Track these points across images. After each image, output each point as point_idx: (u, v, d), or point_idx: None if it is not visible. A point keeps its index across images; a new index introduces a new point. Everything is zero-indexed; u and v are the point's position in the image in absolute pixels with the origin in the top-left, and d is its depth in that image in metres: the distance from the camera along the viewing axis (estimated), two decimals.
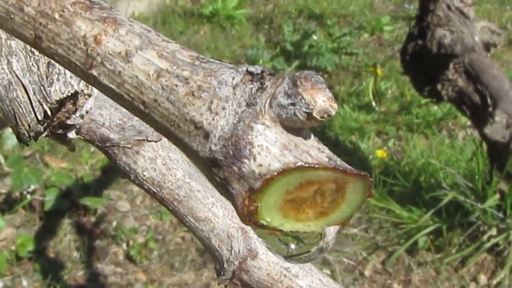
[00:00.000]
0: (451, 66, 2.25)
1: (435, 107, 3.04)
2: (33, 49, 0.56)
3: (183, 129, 0.35)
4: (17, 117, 0.59)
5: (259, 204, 0.34)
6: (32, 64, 0.59)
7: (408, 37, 2.41)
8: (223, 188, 0.35)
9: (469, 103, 2.27)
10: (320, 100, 0.33)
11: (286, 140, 0.34)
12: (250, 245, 0.59)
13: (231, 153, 0.34)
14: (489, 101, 2.20)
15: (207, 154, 0.34)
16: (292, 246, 0.38)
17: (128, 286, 2.19)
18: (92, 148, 2.79)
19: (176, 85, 0.35)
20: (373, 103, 3.14)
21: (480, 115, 2.25)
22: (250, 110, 0.34)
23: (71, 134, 0.63)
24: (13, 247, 2.29)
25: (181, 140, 0.36)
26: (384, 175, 2.56)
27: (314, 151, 0.34)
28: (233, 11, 4.06)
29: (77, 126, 0.62)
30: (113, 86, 0.37)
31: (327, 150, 0.35)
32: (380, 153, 2.76)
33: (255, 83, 0.35)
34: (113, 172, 2.65)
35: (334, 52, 3.61)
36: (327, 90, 0.34)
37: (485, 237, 2.25)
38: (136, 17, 3.87)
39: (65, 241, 2.35)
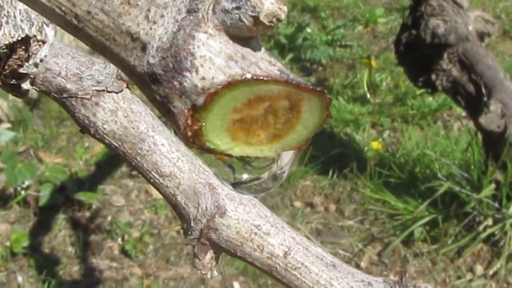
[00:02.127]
0: (445, 56, 2.24)
1: (430, 98, 3.04)
2: None
3: (119, 42, 0.32)
4: None
5: (204, 124, 0.31)
6: None
7: (401, 27, 2.40)
8: (164, 107, 0.32)
9: (463, 93, 2.26)
10: (267, 2, 0.30)
11: (232, 51, 0.30)
12: (218, 201, 0.54)
13: (171, 65, 0.30)
14: (483, 90, 2.20)
15: (145, 68, 0.31)
16: (244, 175, 0.35)
17: (124, 281, 2.18)
18: (87, 143, 2.78)
19: None
20: (368, 95, 3.13)
21: (474, 105, 2.24)
22: (191, 17, 0.31)
23: (25, 85, 0.59)
24: (7, 243, 2.28)
25: (117, 56, 0.32)
26: (379, 167, 2.55)
27: (264, 63, 0.31)
28: None
29: (32, 76, 0.58)
30: (43, 0, 0.34)
31: (279, 64, 0.32)
32: (375, 144, 2.75)
33: None
34: (107, 167, 2.64)
35: (328, 45, 3.61)
36: None
37: (481, 227, 2.25)
38: None
39: (60, 236, 2.34)
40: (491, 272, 2.21)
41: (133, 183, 2.59)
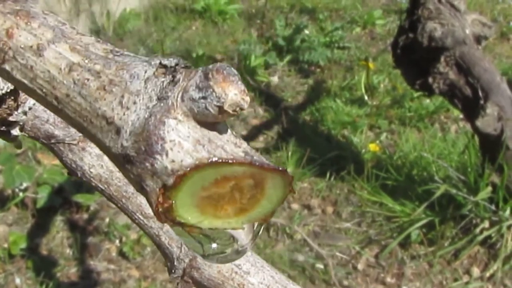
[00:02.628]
0: (442, 59, 2.25)
1: (427, 101, 3.05)
2: None
3: (96, 125, 0.34)
4: None
5: (174, 201, 0.33)
6: None
7: (399, 30, 2.41)
8: (138, 185, 0.34)
9: (460, 96, 2.27)
10: (231, 93, 0.32)
11: (199, 135, 0.33)
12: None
13: (143, 148, 0.33)
14: (480, 93, 2.21)
15: (119, 150, 0.33)
16: (213, 246, 0.37)
17: (121, 283, 2.18)
18: None
19: (88, 79, 0.34)
20: (366, 97, 3.14)
21: (471, 107, 2.25)
22: (162, 104, 0.33)
23: (15, 131, 0.61)
24: (5, 245, 2.28)
25: (94, 136, 0.35)
26: (376, 169, 2.56)
27: (230, 146, 0.33)
28: (225, 6, 4.05)
29: (21, 123, 0.60)
30: (25, 81, 0.36)
31: (244, 145, 0.34)
32: (373, 146, 2.76)
33: (167, 76, 0.34)
34: None
35: (326, 46, 3.61)
36: (240, 82, 0.33)
37: (477, 230, 2.26)
38: (128, 12, 3.85)
39: (58, 238, 2.35)
40: (487, 274, 2.21)
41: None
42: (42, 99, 0.36)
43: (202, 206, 0.34)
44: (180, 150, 0.32)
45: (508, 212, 2.23)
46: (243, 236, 0.37)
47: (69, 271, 2.23)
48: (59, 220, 2.41)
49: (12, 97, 0.59)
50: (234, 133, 0.34)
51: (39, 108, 0.60)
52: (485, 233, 2.25)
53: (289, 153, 2.70)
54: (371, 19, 4.00)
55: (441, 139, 2.83)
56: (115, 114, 0.33)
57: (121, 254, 2.29)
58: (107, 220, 2.42)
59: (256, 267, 0.57)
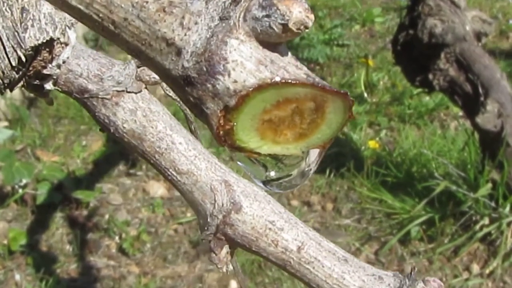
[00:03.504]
0: (442, 55, 2.25)
1: (427, 98, 3.04)
2: None
3: (155, 48, 0.34)
4: None
5: (235, 124, 0.33)
6: (5, 9, 0.57)
7: (399, 27, 2.40)
8: (197, 108, 0.33)
9: (460, 92, 2.27)
10: (296, 10, 0.32)
11: (261, 56, 0.32)
12: (234, 198, 0.56)
13: (205, 69, 0.32)
14: (480, 90, 2.20)
15: (179, 72, 0.33)
16: (272, 172, 0.37)
17: (121, 279, 2.18)
18: (84, 142, 2.78)
19: (147, 2, 0.34)
20: (365, 94, 3.14)
21: (471, 104, 2.25)
22: (224, 24, 0.32)
23: (48, 85, 0.61)
24: (5, 241, 2.28)
25: (152, 60, 0.34)
26: (376, 166, 2.56)
27: (292, 68, 0.33)
28: None
29: (54, 77, 0.60)
30: (81, 7, 0.36)
31: (305, 68, 0.33)
32: (372, 144, 2.76)
33: None
34: (105, 166, 2.64)
35: (325, 44, 3.61)
36: (303, 0, 0.32)
37: (477, 227, 2.26)
38: None
39: (58, 234, 2.35)
40: (487, 271, 2.21)
41: (131, 181, 2.59)
42: (98, 25, 0.35)
43: (262, 130, 0.33)
44: (242, 70, 0.32)
45: (508, 209, 2.23)
46: (311, 153, 0.36)
47: (69, 267, 2.23)
48: (58, 217, 2.41)
49: (47, 49, 0.58)
50: (294, 56, 0.33)
51: (73, 62, 0.60)
52: (485, 230, 2.25)
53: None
54: (370, 16, 4.00)
55: (440, 136, 2.83)
56: (176, 35, 0.33)
57: (121, 250, 2.29)
58: (106, 216, 2.42)
59: (290, 223, 0.57)
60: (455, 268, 2.24)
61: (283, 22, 0.32)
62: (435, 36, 2.23)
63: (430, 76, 2.28)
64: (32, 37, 0.57)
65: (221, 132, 0.33)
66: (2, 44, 0.56)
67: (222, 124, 0.33)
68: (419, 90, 2.72)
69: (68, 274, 2.21)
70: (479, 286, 2.19)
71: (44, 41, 0.57)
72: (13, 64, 0.56)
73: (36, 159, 2.68)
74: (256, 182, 0.38)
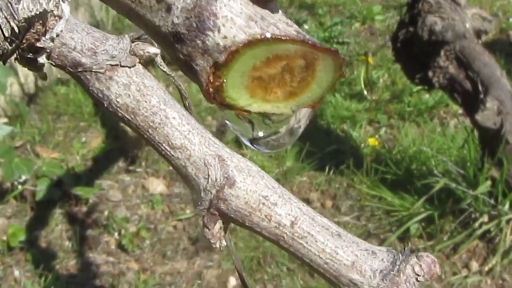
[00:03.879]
0: (442, 53, 2.25)
1: (427, 96, 3.05)
2: None
3: (145, 5, 0.34)
4: None
5: (225, 80, 0.33)
6: None
7: (399, 24, 2.41)
8: (187, 65, 0.33)
9: (460, 90, 2.27)
10: None
11: (252, 12, 0.32)
12: (228, 173, 0.55)
13: (194, 25, 0.32)
14: (480, 88, 2.20)
15: (169, 28, 0.33)
16: (260, 132, 0.37)
17: (120, 275, 2.18)
18: (84, 138, 2.78)
19: None
20: (365, 92, 3.14)
21: (471, 102, 2.25)
22: None
23: (42, 59, 0.60)
24: (4, 237, 2.28)
25: (142, 17, 0.34)
26: (376, 163, 2.56)
27: (282, 24, 0.33)
28: None
29: (48, 50, 0.60)
30: None
31: (295, 26, 0.34)
32: (372, 141, 2.76)
33: None
34: (104, 162, 2.64)
35: (325, 41, 3.61)
36: None
37: (476, 224, 2.26)
38: None
39: (57, 231, 2.35)
40: (486, 268, 2.21)
41: (130, 178, 2.59)
42: None
43: (252, 88, 0.34)
44: (232, 26, 0.32)
45: (507, 206, 2.23)
46: (302, 111, 0.36)
47: (68, 263, 2.23)
48: (58, 213, 2.41)
49: (41, 21, 0.58)
50: (284, 14, 0.34)
51: (67, 35, 0.60)
52: (484, 227, 2.25)
53: (288, 147, 2.69)
54: (370, 14, 4.00)
55: (440, 134, 2.83)
56: None
57: (120, 246, 2.29)
58: (106, 213, 2.42)
59: (284, 198, 0.57)
60: (454, 265, 2.25)
61: None
62: (435, 34, 2.23)
63: (430, 74, 2.28)
64: (25, 9, 0.57)
65: (211, 89, 0.33)
66: None
67: (211, 80, 0.33)
68: (419, 87, 2.73)
69: (67, 270, 2.21)
70: (478, 283, 2.19)
71: (38, 12, 0.57)
72: (6, 35, 0.56)
73: (36, 156, 2.68)
74: (244, 141, 0.38)
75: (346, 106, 3.02)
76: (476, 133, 2.34)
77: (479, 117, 2.17)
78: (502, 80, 2.22)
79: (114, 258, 2.25)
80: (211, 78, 0.33)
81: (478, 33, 2.31)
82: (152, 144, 0.59)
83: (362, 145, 2.79)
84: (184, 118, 0.57)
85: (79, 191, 2.44)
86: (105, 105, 0.60)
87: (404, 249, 0.55)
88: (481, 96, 2.19)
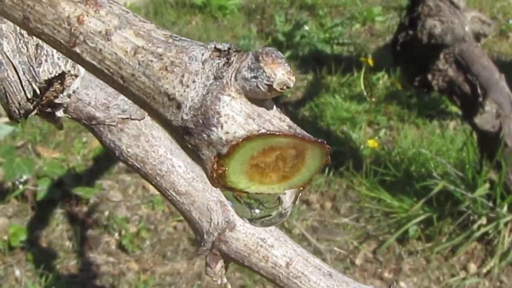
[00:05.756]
0: (441, 56, 2.26)
1: (426, 98, 3.06)
2: (22, 31, 0.62)
3: (158, 101, 0.38)
4: (8, 96, 0.62)
5: (227, 168, 0.38)
6: (22, 46, 0.62)
7: (398, 27, 2.42)
8: (194, 154, 0.38)
9: (459, 93, 2.28)
10: (279, 73, 0.36)
11: (250, 110, 0.37)
12: (228, 217, 0.63)
13: (201, 121, 0.37)
14: (479, 91, 2.22)
15: (179, 123, 0.38)
16: (257, 211, 0.42)
17: (121, 275, 2.19)
18: (85, 138, 2.79)
19: (151, 61, 0.38)
20: (365, 93, 3.15)
21: (470, 105, 2.26)
22: (218, 83, 0.37)
23: (59, 113, 0.66)
24: (5, 237, 2.29)
25: (156, 111, 0.39)
26: (375, 165, 2.57)
27: (276, 120, 0.38)
28: (225, 1, 4.06)
29: (65, 105, 0.66)
30: (94, 62, 0.40)
31: (288, 120, 0.38)
32: (371, 143, 2.77)
33: (222, 58, 0.38)
34: (105, 162, 2.65)
35: (325, 42, 3.62)
36: (286, 64, 0.37)
37: (475, 226, 2.27)
38: (128, 7, 3.84)
39: (58, 230, 2.36)
40: (484, 270, 2.23)
41: (131, 178, 2.60)
42: (108, 78, 0.40)
43: (251, 173, 0.38)
44: (233, 123, 0.37)
45: (505, 208, 2.24)
46: (287, 199, 0.42)
47: (68, 263, 2.24)
48: (58, 213, 2.42)
49: (59, 81, 0.64)
50: (278, 109, 0.39)
51: (82, 91, 0.65)
52: (482, 230, 2.26)
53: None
54: (370, 15, 4.01)
55: (439, 136, 2.84)
56: (176, 91, 0.38)
57: (121, 247, 2.30)
58: (106, 213, 2.43)
59: (280, 241, 0.63)
60: (452, 267, 2.26)
61: (268, 83, 0.36)
62: (434, 37, 2.24)
63: (429, 77, 2.29)
64: (46, 71, 0.63)
65: (215, 175, 0.38)
66: (19, 78, 0.62)
67: (215, 168, 0.38)
68: (419, 89, 2.74)
69: (67, 270, 2.22)
70: (476, 285, 2.21)
71: (57, 74, 0.63)
72: (29, 96, 0.62)
73: (37, 155, 2.69)
74: (243, 219, 0.44)
75: (346, 107, 3.03)
76: (475, 135, 2.35)
77: (478, 120, 2.18)
78: (501, 83, 2.23)
79: (114, 258, 2.26)
80: (215, 166, 0.38)
81: (477, 36, 2.33)
82: (159, 190, 0.65)
83: (362, 146, 2.80)
84: (188, 166, 0.65)
85: (79, 191, 2.45)
86: (117, 154, 0.66)
87: (390, 287, 0.60)
88: (480, 99, 2.20)
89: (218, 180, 0.38)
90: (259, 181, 0.39)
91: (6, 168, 2.38)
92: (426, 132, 2.88)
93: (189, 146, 0.38)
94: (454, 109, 2.86)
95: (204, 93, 0.37)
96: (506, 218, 2.24)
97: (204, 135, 0.37)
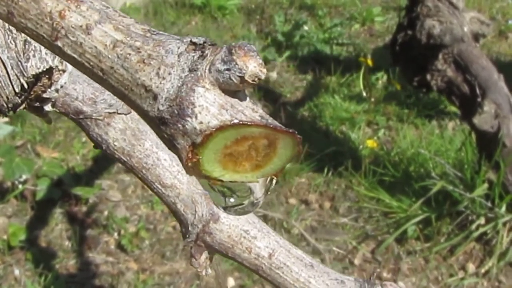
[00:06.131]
0: (440, 56, 2.27)
1: (425, 98, 3.06)
2: (11, 27, 0.64)
3: (136, 92, 0.40)
4: None
5: (201, 157, 0.39)
6: (10, 42, 0.64)
7: (397, 27, 2.42)
8: (170, 143, 0.40)
9: (458, 93, 2.29)
10: (251, 65, 0.38)
11: (223, 101, 0.39)
12: (213, 209, 0.65)
13: (176, 112, 0.38)
14: (478, 91, 2.22)
15: (156, 113, 0.39)
16: (231, 199, 0.44)
17: (120, 275, 2.20)
18: (84, 138, 2.79)
19: (130, 54, 0.40)
20: (364, 93, 3.15)
21: (469, 105, 2.26)
22: (192, 75, 0.39)
23: (47, 107, 0.68)
24: (5, 237, 2.30)
25: (134, 102, 0.41)
26: (374, 165, 2.57)
27: (248, 111, 0.39)
28: (224, 1, 4.06)
29: (53, 100, 0.68)
30: (75, 56, 0.42)
31: (260, 110, 0.40)
32: (370, 143, 2.77)
33: (197, 52, 0.40)
34: (104, 162, 2.66)
35: (325, 43, 3.63)
36: (258, 57, 0.38)
37: (473, 226, 2.27)
38: (127, 7, 3.86)
39: (57, 230, 2.36)
40: (483, 270, 2.23)
41: (130, 178, 2.61)
42: (89, 71, 0.42)
43: (224, 162, 0.40)
44: (207, 114, 0.38)
45: (504, 208, 2.25)
46: (258, 189, 0.44)
47: (67, 263, 2.25)
48: (58, 213, 2.43)
49: (47, 76, 0.66)
50: (251, 100, 0.40)
51: (69, 86, 0.67)
52: (481, 230, 2.27)
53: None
54: (370, 16, 4.01)
55: (438, 136, 2.84)
56: (153, 83, 0.39)
57: (120, 246, 2.31)
58: (105, 213, 2.44)
59: (263, 232, 0.65)
60: (451, 267, 2.26)
61: (240, 75, 0.38)
62: (433, 37, 2.25)
63: (428, 77, 2.29)
64: (34, 66, 0.65)
65: (190, 164, 0.40)
66: (7, 73, 0.64)
67: (190, 157, 0.39)
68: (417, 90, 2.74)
69: (67, 269, 2.22)
70: (474, 285, 2.21)
71: (44, 69, 0.65)
72: (17, 90, 0.64)
73: (36, 155, 2.69)
74: (218, 207, 0.46)
75: (345, 107, 3.03)
76: (473, 135, 2.35)
77: (476, 120, 2.19)
78: (500, 83, 2.23)
79: (113, 258, 2.27)
80: (189, 155, 0.39)
81: (476, 37, 2.33)
82: (145, 182, 0.67)
83: (361, 146, 2.80)
84: (174, 160, 0.67)
85: (79, 191, 2.46)
86: (104, 147, 0.68)
87: (370, 278, 0.61)
88: (479, 99, 2.21)
89: (193, 168, 0.40)
90: (232, 170, 0.40)
91: (5, 167, 2.38)
92: (425, 132, 2.89)
93: (165, 136, 0.40)
94: (453, 109, 2.87)
95: (179, 84, 0.39)
96: (504, 218, 2.25)
97: (179, 125, 0.38)
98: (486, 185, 2.27)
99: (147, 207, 2.48)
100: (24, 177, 2.43)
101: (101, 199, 2.49)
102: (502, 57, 3.55)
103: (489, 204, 2.26)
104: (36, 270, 2.19)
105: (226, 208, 0.45)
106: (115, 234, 2.36)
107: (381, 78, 3.31)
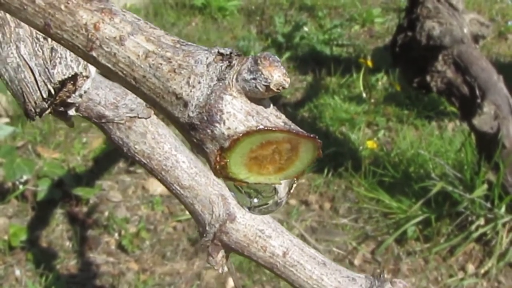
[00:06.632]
0: (440, 57, 2.27)
1: (425, 99, 3.07)
2: (38, 36, 0.67)
3: (167, 100, 0.42)
4: (25, 96, 0.67)
5: (228, 160, 0.42)
6: (38, 49, 0.68)
7: (397, 29, 2.43)
8: (199, 147, 0.42)
9: (457, 94, 2.29)
10: (276, 75, 0.40)
11: (249, 108, 0.41)
12: (229, 210, 0.68)
13: (205, 118, 0.41)
14: (477, 92, 2.23)
15: (186, 119, 0.42)
16: (255, 200, 0.47)
17: (120, 275, 2.20)
18: (85, 139, 2.80)
19: (161, 64, 0.42)
20: (364, 94, 3.16)
21: (468, 106, 2.27)
22: (221, 83, 0.41)
23: (71, 112, 0.71)
24: (5, 237, 2.30)
25: (165, 109, 0.43)
26: (374, 166, 2.58)
27: (273, 117, 0.42)
28: (224, 3, 4.07)
29: (77, 104, 0.72)
30: (109, 65, 0.44)
31: (283, 117, 0.42)
32: (370, 144, 2.78)
33: (224, 62, 0.42)
34: (105, 163, 2.66)
35: (325, 44, 3.63)
36: (282, 67, 0.41)
37: (473, 227, 2.28)
38: (128, 8, 3.87)
39: (58, 231, 2.37)
40: (482, 271, 2.24)
41: (130, 178, 2.61)
42: (122, 80, 0.44)
43: (250, 165, 0.42)
44: (234, 120, 0.40)
45: (503, 209, 2.26)
46: (281, 189, 0.46)
47: (68, 263, 2.25)
48: (59, 213, 2.43)
49: (72, 82, 0.69)
50: (275, 107, 0.43)
51: (93, 92, 0.71)
52: (481, 230, 2.27)
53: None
54: (370, 17, 4.02)
55: (438, 137, 2.85)
56: (183, 91, 0.42)
57: (120, 247, 2.31)
58: (106, 213, 2.44)
59: (277, 232, 0.67)
60: (450, 267, 2.27)
61: (266, 84, 0.40)
62: (433, 38, 2.25)
63: (428, 78, 2.30)
64: (60, 73, 0.68)
65: (217, 167, 0.42)
66: (35, 79, 0.67)
67: (218, 160, 0.42)
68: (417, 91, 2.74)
69: (67, 270, 2.23)
70: (474, 285, 2.22)
71: (70, 75, 0.68)
72: (44, 96, 0.67)
73: (37, 156, 2.70)
74: (243, 207, 0.48)
75: (345, 108, 3.04)
76: (473, 136, 2.36)
77: (476, 121, 2.19)
78: (499, 84, 2.24)
79: (114, 259, 2.27)
80: (217, 159, 0.42)
81: (476, 38, 2.34)
82: (164, 184, 0.70)
83: (361, 147, 2.81)
84: (192, 162, 0.70)
85: (79, 191, 2.46)
86: (125, 150, 0.71)
87: (380, 275, 0.63)
88: (478, 100, 2.21)
89: (221, 171, 0.42)
90: (257, 172, 0.43)
91: (6, 168, 2.39)
92: (425, 133, 2.89)
93: (195, 140, 0.42)
94: (453, 110, 2.87)
95: (208, 92, 0.41)
96: (504, 219, 2.25)
97: (208, 131, 0.41)
98: (485, 186, 2.27)
99: (148, 208, 2.49)
100: (24, 177, 2.43)
101: (101, 200, 2.50)
102: (501, 58, 3.55)
103: (488, 205, 2.27)
104: (37, 271, 2.20)
105: (251, 208, 0.48)
106: (116, 235, 2.37)
107: (381, 79, 3.32)
